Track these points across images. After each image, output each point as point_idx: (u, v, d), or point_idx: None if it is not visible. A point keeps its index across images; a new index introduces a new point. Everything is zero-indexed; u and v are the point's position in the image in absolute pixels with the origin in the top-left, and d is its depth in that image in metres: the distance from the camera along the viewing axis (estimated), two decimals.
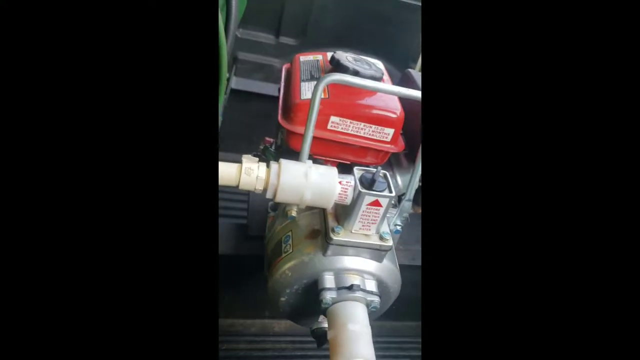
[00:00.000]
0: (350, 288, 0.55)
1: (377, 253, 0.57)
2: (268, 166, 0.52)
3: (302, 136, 0.55)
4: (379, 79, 0.62)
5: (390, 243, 0.56)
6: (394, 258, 0.63)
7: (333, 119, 0.60)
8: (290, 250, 0.59)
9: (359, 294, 0.56)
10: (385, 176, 0.55)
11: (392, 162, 0.73)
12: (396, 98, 0.64)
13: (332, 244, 0.55)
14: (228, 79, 0.89)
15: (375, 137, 0.62)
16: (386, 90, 0.55)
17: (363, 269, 0.58)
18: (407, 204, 0.62)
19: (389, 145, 0.63)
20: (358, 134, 0.62)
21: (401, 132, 0.73)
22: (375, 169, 0.54)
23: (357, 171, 0.55)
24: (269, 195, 0.51)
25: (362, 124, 0.61)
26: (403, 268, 0.97)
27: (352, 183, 0.53)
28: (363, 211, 0.54)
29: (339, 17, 1.38)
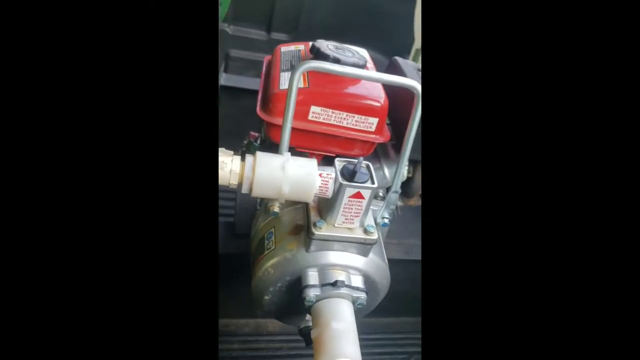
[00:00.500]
0: (334, 284, 0.53)
1: (363, 247, 0.55)
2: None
3: (281, 127, 0.53)
4: (361, 66, 0.60)
5: (375, 236, 0.54)
6: (382, 252, 0.61)
7: (314, 108, 0.58)
8: (273, 247, 0.57)
9: (343, 291, 0.53)
10: (368, 167, 0.53)
11: (379, 153, 0.70)
12: (380, 86, 0.61)
13: (315, 239, 0.53)
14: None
15: (359, 127, 0.60)
16: (367, 77, 0.53)
17: (348, 264, 0.55)
18: (393, 196, 0.60)
19: (373, 136, 0.61)
20: (341, 124, 0.59)
21: (388, 122, 0.70)
22: (356, 160, 0.52)
23: (339, 163, 0.52)
24: (244, 190, 0.49)
25: (345, 113, 0.59)
26: (398, 262, 0.95)
27: (333, 175, 0.51)
28: (345, 204, 0.51)
29: (330, 10, 1.37)
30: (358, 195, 0.51)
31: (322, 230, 0.52)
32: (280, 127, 0.53)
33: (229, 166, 0.47)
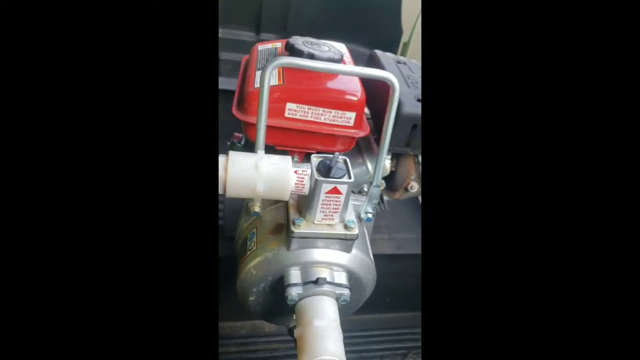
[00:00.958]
0: (316, 282, 0.52)
1: (345, 243, 0.54)
2: None
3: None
4: (337, 61, 0.59)
5: (356, 232, 0.53)
6: (367, 247, 0.60)
7: (290, 105, 0.57)
8: (255, 248, 0.56)
9: (326, 288, 0.53)
10: (345, 162, 0.52)
11: (361, 148, 0.70)
12: (356, 80, 0.61)
13: (294, 237, 0.52)
14: None
15: (337, 123, 0.59)
16: (339, 71, 0.52)
17: (331, 261, 0.55)
18: (375, 190, 0.59)
19: (353, 130, 0.60)
20: (318, 120, 0.59)
21: (368, 116, 0.70)
22: (332, 156, 0.51)
23: (315, 159, 0.52)
24: (220, 190, 0.49)
25: (321, 109, 0.58)
26: (393, 257, 0.95)
27: (309, 172, 0.50)
28: (322, 200, 0.51)
29: (318, 7, 1.36)
30: (335, 191, 0.50)
31: (301, 228, 0.52)
32: (256, 126, 0.53)
33: None
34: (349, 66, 0.53)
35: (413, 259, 0.93)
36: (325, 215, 0.52)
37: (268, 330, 1.06)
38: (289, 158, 0.51)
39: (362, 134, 0.61)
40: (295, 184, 0.50)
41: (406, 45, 1.48)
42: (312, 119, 0.58)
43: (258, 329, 1.05)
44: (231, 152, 0.49)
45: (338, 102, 0.58)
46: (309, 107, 0.58)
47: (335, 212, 0.52)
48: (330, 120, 0.59)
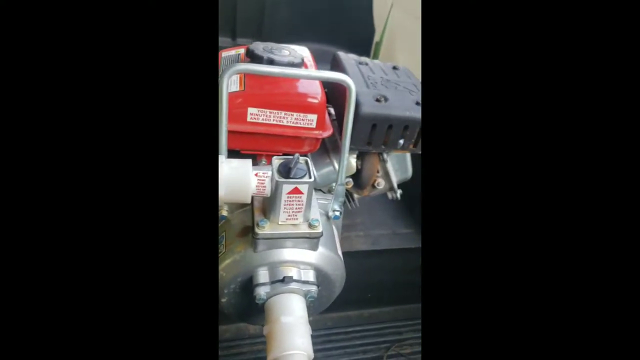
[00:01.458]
0: (283, 280, 0.54)
1: (310, 241, 0.56)
2: None
3: None
4: (297, 65, 0.61)
5: (319, 230, 0.55)
6: (334, 245, 0.62)
7: (251, 110, 0.59)
8: (224, 250, 0.58)
9: (293, 286, 0.54)
10: (306, 162, 0.54)
11: (328, 148, 0.71)
12: (317, 83, 0.62)
13: (259, 239, 0.54)
14: None
15: (299, 125, 0.61)
16: (294, 75, 0.54)
17: (298, 260, 0.56)
18: (340, 189, 0.61)
19: (316, 132, 0.62)
20: (281, 123, 0.60)
21: (333, 117, 0.72)
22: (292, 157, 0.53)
23: (276, 160, 0.53)
24: None
25: (283, 112, 0.60)
26: (365, 254, 0.97)
27: (269, 173, 0.52)
28: (285, 200, 0.52)
29: (293, 10, 1.37)
30: (296, 191, 0.52)
31: (266, 229, 0.53)
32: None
33: None
34: (305, 70, 0.55)
35: (389, 254, 0.96)
36: (289, 216, 0.54)
37: (253, 332, 1.07)
38: (249, 161, 0.52)
39: (325, 134, 0.63)
40: (257, 186, 0.51)
41: (378, 44, 1.50)
42: (274, 122, 0.60)
43: (242, 332, 1.06)
44: None
45: (299, 105, 0.60)
46: (271, 111, 0.59)
47: (298, 211, 0.54)
48: (293, 122, 0.61)
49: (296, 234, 0.54)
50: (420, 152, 0.66)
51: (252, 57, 0.61)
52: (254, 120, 0.59)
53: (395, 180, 0.74)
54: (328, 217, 0.63)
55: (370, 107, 0.61)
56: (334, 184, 0.72)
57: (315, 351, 0.50)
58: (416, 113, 0.63)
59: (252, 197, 0.54)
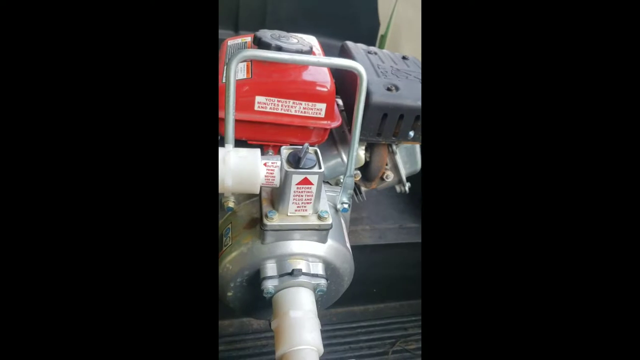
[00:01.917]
0: (292, 273, 0.52)
1: (319, 234, 0.55)
2: None
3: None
4: (305, 53, 0.59)
5: (329, 221, 0.53)
6: (343, 237, 0.60)
7: (259, 99, 0.57)
8: (230, 243, 0.56)
9: (302, 279, 0.53)
10: (315, 153, 0.52)
11: (336, 139, 0.70)
12: (326, 71, 0.61)
13: (268, 230, 0.52)
14: None
15: (308, 114, 0.59)
16: (304, 62, 0.52)
17: (306, 252, 0.55)
18: (349, 180, 0.59)
19: (324, 122, 0.60)
20: (289, 112, 0.59)
21: (342, 108, 0.70)
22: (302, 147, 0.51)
23: (285, 150, 0.52)
24: None
25: (291, 101, 0.58)
26: (372, 248, 0.96)
27: (279, 163, 0.50)
28: (294, 191, 0.51)
29: (296, 3, 1.35)
30: (306, 182, 0.50)
31: (274, 221, 0.52)
32: (224, 120, 0.52)
33: None
34: (316, 57, 0.53)
35: (395, 249, 0.94)
36: (298, 207, 0.52)
37: (256, 327, 1.06)
38: (257, 150, 0.51)
39: (334, 124, 0.61)
40: (265, 176, 0.50)
41: (383, 37, 1.49)
42: (282, 112, 0.58)
43: (246, 327, 1.05)
44: None
45: (308, 93, 0.58)
46: (279, 99, 0.58)
47: (307, 203, 0.52)
48: (301, 112, 0.59)
49: (305, 226, 0.53)
50: None
51: (260, 44, 0.59)
52: (262, 109, 0.58)
53: (404, 173, 0.72)
54: (336, 210, 0.62)
55: (381, 96, 0.59)
56: (341, 177, 0.70)
57: None
58: None
59: (260, 188, 0.52)
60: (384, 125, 0.61)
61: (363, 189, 0.75)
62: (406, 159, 0.73)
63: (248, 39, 0.69)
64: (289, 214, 0.53)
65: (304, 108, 0.59)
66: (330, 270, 0.57)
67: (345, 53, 0.72)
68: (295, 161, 0.50)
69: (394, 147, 0.70)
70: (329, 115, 0.60)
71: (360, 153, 0.69)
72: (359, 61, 0.67)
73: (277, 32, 0.63)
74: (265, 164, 0.50)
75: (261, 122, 0.59)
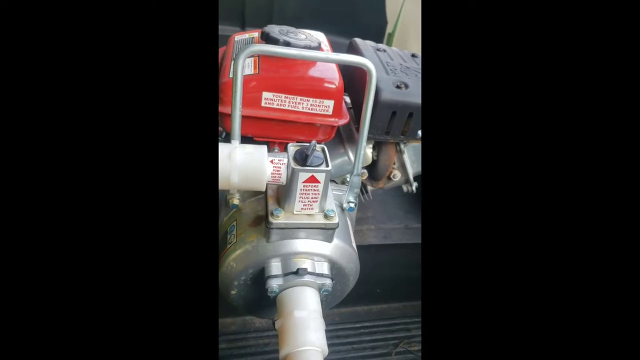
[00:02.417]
0: (297, 272, 0.51)
1: (325, 233, 0.54)
2: None
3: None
4: (314, 49, 0.58)
5: (335, 220, 0.52)
6: (349, 237, 0.59)
7: (266, 95, 0.56)
8: (235, 240, 0.55)
9: (307, 278, 0.52)
10: (323, 150, 0.51)
11: (343, 137, 0.69)
12: (334, 68, 0.60)
13: (273, 228, 0.51)
14: None
15: (315, 111, 0.58)
16: (313, 57, 0.51)
17: (312, 251, 0.54)
18: (355, 179, 0.58)
19: (332, 119, 0.59)
20: (296, 109, 0.58)
21: (349, 106, 0.69)
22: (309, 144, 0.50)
23: (292, 148, 0.51)
24: None
25: (299, 97, 0.57)
26: (377, 248, 0.95)
27: (285, 161, 0.49)
28: (300, 189, 0.50)
29: (302, 0, 1.35)
30: (313, 180, 0.49)
31: (280, 219, 0.51)
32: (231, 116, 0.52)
33: None
34: (324, 53, 0.52)
35: (400, 249, 0.93)
36: (304, 205, 0.51)
37: (258, 325, 1.05)
38: (264, 147, 0.50)
39: (341, 122, 0.60)
40: (272, 173, 0.49)
41: (391, 35, 1.47)
42: (289, 108, 0.57)
43: (248, 325, 1.04)
44: None
45: (316, 90, 0.57)
46: (286, 95, 0.57)
47: (314, 201, 0.51)
48: (309, 109, 0.58)
49: (312, 225, 0.52)
50: None
51: (268, 39, 0.58)
52: (269, 106, 0.57)
53: (411, 173, 0.71)
54: (342, 209, 0.61)
55: (390, 94, 0.58)
56: (348, 175, 0.69)
57: None
58: None
59: (266, 185, 0.52)
60: (392, 123, 0.60)
61: (370, 188, 0.74)
62: (414, 158, 0.72)
63: (255, 34, 0.68)
64: (294, 212, 0.52)
65: (311, 105, 0.58)
66: (336, 269, 0.56)
67: (353, 50, 0.71)
68: (302, 159, 0.49)
69: (402, 146, 0.69)
70: (337, 112, 0.59)
71: (368, 151, 0.68)
72: (368, 58, 0.66)
73: (285, 28, 0.62)
74: (271, 161, 0.49)
75: (268, 119, 0.58)
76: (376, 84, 0.54)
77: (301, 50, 0.51)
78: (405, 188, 0.75)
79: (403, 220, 0.95)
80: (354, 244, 0.60)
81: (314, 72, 0.58)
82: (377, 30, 1.45)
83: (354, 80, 0.65)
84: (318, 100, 0.57)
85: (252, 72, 0.57)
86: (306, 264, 0.53)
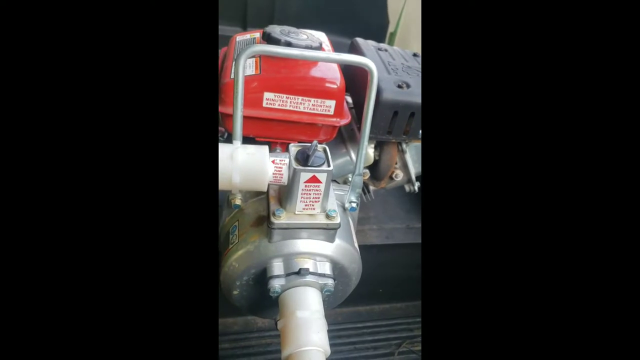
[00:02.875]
0: (299, 273, 0.51)
1: (327, 233, 0.54)
2: None
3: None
4: (315, 49, 0.58)
5: (337, 221, 0.52)
6: (351, 237, 0.59)
7: (267, 95, 0.56)
8: (237, 241, 0.55)
9: (309, 278, 0.52)
10: (324, 150, 0.51)
11: (345, 137, 0.69)
12: (336, 68, 0.60)
13: (275, 229, 0.51)
14: None
15: (316, 111, 0.58)
16: (314, 57, 0.51)
17: (314, 252, 0.54)
18: (357, 179, 0.58)
19: (333, 119, 0.59)
20: (297, 109, 0.58)
21: (351, 105, 0.69)
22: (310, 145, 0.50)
23: (293, 148, 0.51)
24: None
25: (300, 98, 0.57)
26: (379, 248, 0.94)
27: (287, 161, 0.49)
28: (302, 189, 0.50)
29: (305, 0, 1.35)
30: (314, 180, 0.49)
31: (282, 219, 0.51)
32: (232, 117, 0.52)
33: None
34: (326, 53, 0.52)
35: (402, 249, 0.93)
36: (306, 205, 0.51)
37: (261, 325, 1.05)
38: (266, 147, 0.50)
39: (343, 122, 0.60)
40: (273, 173, 0.49)
41: (393, 35, 1.47)
42: (291, 109, 0.58)
43: (251, 325, 1.04)
44: None
45: (317, 90, 0.57)
46: (288, 96, 0.57)
47: (315, 201, 0.51)
48: (310, 109, 0.58)
49: (314, 225, 0.52)
50: None
51: (269, 39, 0.58)
52: (270, 106, 0.57)
53: (413, 172, 0.71)
54: (344, 209, 0.61)
55: (391, 93, 0.58)
56: (349, 175, 0.69)
57: None
58: None
59: (268, 186, 0.52)
60: (394, 123, 0.60)
61: (371, 188, 0.74)
62: (416, 157, 0.72)
63: (257, 34, 0.68)
64: (296, 213, 0.52)
65: (312, 105, 0.58)
66: (338, 270, 0.56)
67: (355, 49, 0.71)
68: (303, 159, 0.49)
69: (404, 145, 0.69)
70: (338, 112, 0.59)
71: (370, 151, 0.68)
72: (370, 58, 0.65)
73: (286, 28, 0.62)
74: (273, 162, 0.49)
75: (269, 119, 0.58)
76: (378, 84, 0.54)
77: (302, 50, 0.51)
78: (407, 188, 0.74)
79: (405, 220, 0.95)
80: (356, 244, 0.60)
81: (316, 72, 0.58)
82: (378, 30, 1.45)
83: (355, 80, 0.64)
84: (319, 100, 0.57)
85: (254, 73, 0.57)
86: (308, 264, 0.53)
